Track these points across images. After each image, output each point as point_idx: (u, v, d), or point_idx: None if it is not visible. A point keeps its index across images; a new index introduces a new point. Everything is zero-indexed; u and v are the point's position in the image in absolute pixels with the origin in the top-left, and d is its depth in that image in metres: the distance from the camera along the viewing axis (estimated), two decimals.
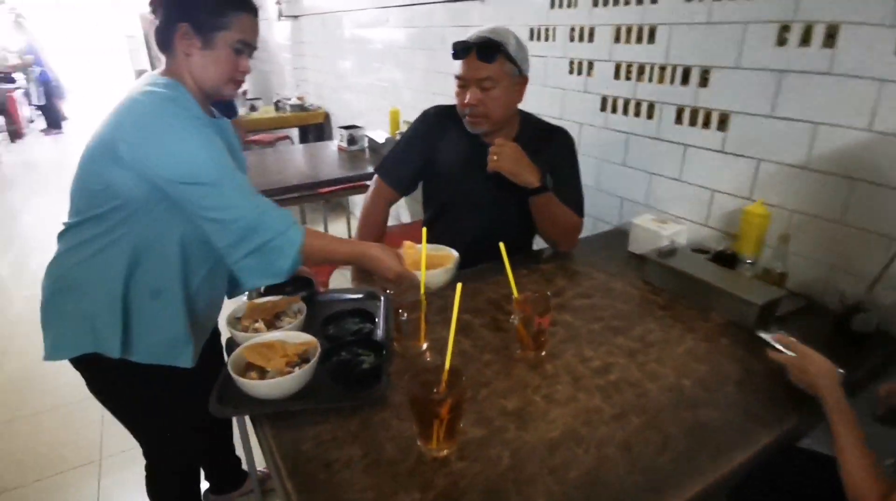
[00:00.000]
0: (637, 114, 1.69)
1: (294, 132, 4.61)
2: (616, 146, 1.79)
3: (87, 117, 8.30)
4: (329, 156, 3.07)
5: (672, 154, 1.61)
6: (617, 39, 1.70)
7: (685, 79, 1.52)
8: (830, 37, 1.18)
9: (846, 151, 1.21)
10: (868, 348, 1.13)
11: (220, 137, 1.09)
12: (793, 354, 0.95)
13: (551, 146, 1.48)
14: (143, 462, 1.33)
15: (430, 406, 0.80)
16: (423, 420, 0.81)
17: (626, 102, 1.72)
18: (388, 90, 3.29)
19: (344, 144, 3.10)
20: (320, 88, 4.38)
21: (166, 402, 1.20)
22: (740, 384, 1.00)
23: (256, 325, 1.08)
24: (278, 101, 4.40)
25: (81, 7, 10.43)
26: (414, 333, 1.09)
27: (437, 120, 1.53)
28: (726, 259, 1.37)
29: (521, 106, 1.47)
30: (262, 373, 0.93)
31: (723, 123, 1.45)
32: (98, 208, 1.01)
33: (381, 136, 2.96)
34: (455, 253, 1.29)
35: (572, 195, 1.47)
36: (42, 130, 8.02)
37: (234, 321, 1.10)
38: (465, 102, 1.37)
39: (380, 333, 1.10)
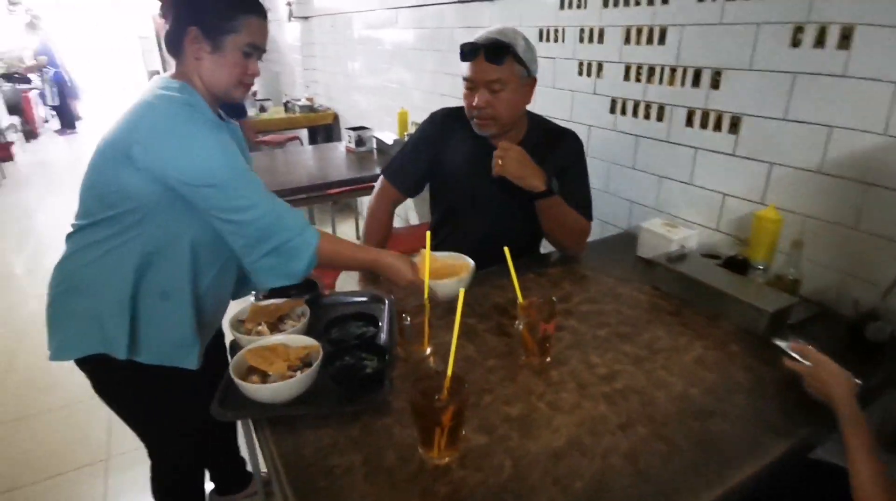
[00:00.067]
0: (647, 116, 1.67)
1: (304, 133, 4.63)
2: (625, 149, 1.77)
3: (100, 117, 8.40)
4: (337, 157, 3.07)
5: (682, 157, 1.59)
6: (627, 40, 1.68)
7: (696, 80, 1.50)
8: (845, 38, 1.16)
9: (861, 156, 1.18)
10: (882, 356, 1.10)
11: (232, 138, 1.10)
12: (808, 362, 0.93)
13: (559, 149, 1.46)
14: (149, 461, 1.33)
15: (431, 414, 0.79)
16: (425, 428, 0.80)
17: (636, 104, 1.70)
18: (397, 91, 3.29)
19: (352, 146, 3.10)
20: (329, 89, 4.40)
21: (170, 403, 1.20)
22: (750, 393, 0.98)
23: (259, 328, 1.08)
24: (287, 101, 4.43)
25: (95, 8, 10.59)
26: (417, 337, 1.08)
27: (445, 122, 1.53)
28: (737, 265, 1.34)
29: (529, 107, 1.46)
30: (265, 377, 0.93)
31: (734, 125, 1.43)
32: (110, 209, 1.01)
33: (389, 137, 2.96)
34: (471, 263, 1.27)
35: (580, 199, 1.46)
36: (56, 131, 8.13)
37: (237, 324, 1.10)
38: (474, 104, 1.36)
39: (383, 337, 1.09)
